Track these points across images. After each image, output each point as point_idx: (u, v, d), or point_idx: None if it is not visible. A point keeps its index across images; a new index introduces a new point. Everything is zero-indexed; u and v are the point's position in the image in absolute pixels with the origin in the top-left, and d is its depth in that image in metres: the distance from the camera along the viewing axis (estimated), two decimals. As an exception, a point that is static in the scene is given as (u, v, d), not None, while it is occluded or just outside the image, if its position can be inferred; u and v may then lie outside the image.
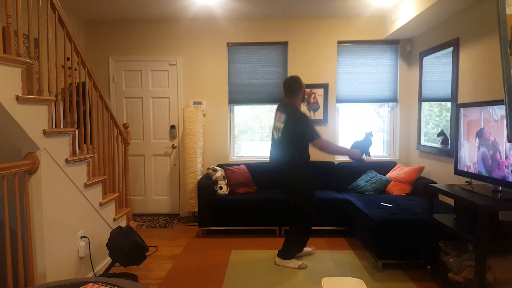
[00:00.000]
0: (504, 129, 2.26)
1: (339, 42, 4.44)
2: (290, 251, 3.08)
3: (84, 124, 2.90)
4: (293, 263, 3.06)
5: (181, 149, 4.61)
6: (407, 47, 4.35)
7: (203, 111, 4.53)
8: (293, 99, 3.03)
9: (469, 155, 2.61)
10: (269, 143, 3.30)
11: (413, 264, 3.07)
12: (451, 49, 3.41)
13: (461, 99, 3.29)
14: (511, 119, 1.97)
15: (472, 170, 2.58)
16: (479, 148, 2.51)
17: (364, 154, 4.43)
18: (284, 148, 2.98)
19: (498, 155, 2.32)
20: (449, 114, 3.48)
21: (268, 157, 3.30)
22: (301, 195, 3.01)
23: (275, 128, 3.09)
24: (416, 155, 4.24)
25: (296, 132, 2.93)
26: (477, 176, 2.56)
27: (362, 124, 4.63)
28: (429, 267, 2.89)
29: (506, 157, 2.24)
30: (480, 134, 2.50)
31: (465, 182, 2.76)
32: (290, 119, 2.93)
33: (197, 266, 3.10)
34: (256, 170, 4.24)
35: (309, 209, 3.02)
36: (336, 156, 4.54)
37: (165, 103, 4.60)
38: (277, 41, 4.45)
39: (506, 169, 2.25)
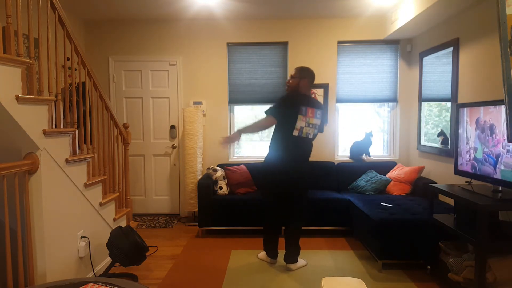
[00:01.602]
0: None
1: (339, 42, 4.44)
2: (299, 252, 3.07)
3: (84, 124, 2.90)
4: (302, 261, 3.08)
5: (181, 149, 4.61)
6: (407, 47, 4.36)
7: (203, 111, 4.53)
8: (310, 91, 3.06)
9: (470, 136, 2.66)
10: (289, 141, 2.88)
11: (413, 264, 3.07)
12: (451, 49, 3.41)
13: (461, 99, 3.29)
14: (511, 119, 1.97)
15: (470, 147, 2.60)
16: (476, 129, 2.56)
17: (364, 154, 4.45)
18: (311, 144, 3.00)
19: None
20: (448, 114, 3.48)
21: (291, 157, 2.90)
22: (308, 188, 3.08)
23: (309, 125, 2.88)
24: (416, 155, 4.24)
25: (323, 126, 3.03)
26: (477, 176, 2.56)
27: (362, 124, 4.63)
28: (429, 267, 2.89)
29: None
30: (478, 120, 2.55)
31: (465, 182, 2.76)
32: (324, 114, 3.01)
33: (197, 266, 3.10)
34: (256, 170, 4.24)
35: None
36: (336, 156, 4.54)
37: (165, 103, 4.60)
38: (277, 41, 4.45)
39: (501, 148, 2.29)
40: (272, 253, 3.13)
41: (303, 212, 3.05)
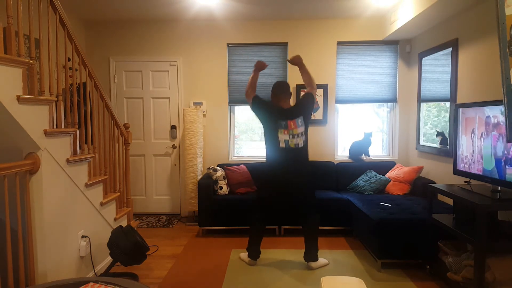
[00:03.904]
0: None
1: (339, 43, 4.45)
2: (317, 249, 3.07)
3: (85, 124, 2.91)
4: (323, 260, 3.09)
5: (182, 149, 4.62)
6: (406, 48, 4.37)
7: (203, 111, 4.54)
8: (288, 101, 3.05)
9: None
10: (278, 153, 2.93)
11: (413, 263, 3.08)
12: (450, 49, 3.42)
13: (460, 100, 3.30)
14: (510, 119, 1.98)
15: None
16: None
17: (363, 154, 4.46)
18: (305, 148, 2.98)
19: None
20: (447, 114, 3.49)
21: (283, 169, 2.93)
22: (315, 188, 3.05)
23: (293, 136, 2.91)
24: (415, 155, 4.25)
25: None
26: (476, 176, 2.57)
27: (362, 125, 4.64)
28: (428, 266, 2.90)
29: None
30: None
31: (464, 182, 2.78)
32: (307, 119, 2.97)
33: (198, 265, 3.11)
34: (255, 169, 4.25)
35: None
36: (335, 156, 4.55)
37: (166, 103, 4.61)
38: (277, 42, 4.46)
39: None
40: (252, 253, 3.11)
41: (314, 209, 3.04)
